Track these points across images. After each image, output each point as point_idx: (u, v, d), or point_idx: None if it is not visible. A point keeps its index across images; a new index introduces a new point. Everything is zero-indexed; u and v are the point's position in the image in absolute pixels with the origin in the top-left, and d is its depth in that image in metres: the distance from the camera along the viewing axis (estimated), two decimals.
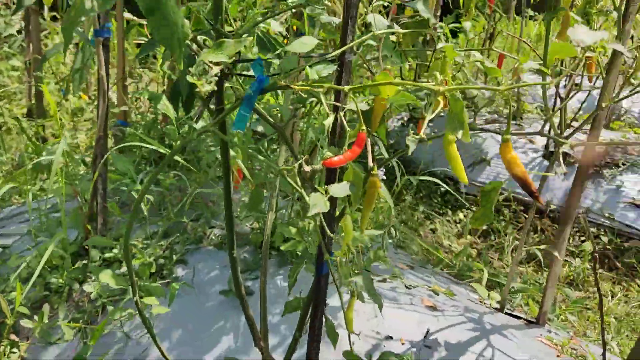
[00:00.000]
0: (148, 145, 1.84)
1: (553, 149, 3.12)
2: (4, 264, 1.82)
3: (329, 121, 0.85)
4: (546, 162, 3.07)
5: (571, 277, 2.55)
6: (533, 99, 3.92)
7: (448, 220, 3.03)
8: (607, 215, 2.78)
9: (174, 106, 2.44)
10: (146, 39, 2.84)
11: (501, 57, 2.32)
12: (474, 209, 3.04)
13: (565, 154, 3.07)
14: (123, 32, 2.26)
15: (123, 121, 2.25)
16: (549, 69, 1.31)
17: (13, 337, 1.56)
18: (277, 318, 1.54)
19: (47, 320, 1.49)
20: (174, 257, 1.74)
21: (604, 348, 1.35)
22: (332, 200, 1.13)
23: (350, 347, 1.09)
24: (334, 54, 0.97)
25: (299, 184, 0.93)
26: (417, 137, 0.84)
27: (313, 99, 1.05)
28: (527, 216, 2.94)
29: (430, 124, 3.59)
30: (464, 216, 3.02)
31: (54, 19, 5.33)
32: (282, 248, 1.50)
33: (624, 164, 2.99)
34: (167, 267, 1.72)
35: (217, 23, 0.93)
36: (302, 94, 0.94)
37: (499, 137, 3.30)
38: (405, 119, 3.66)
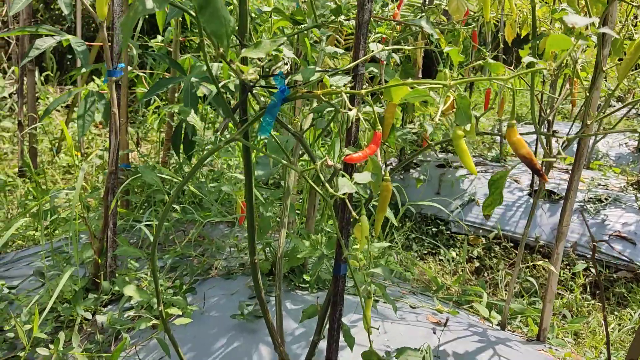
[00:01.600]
0: (162, 176, 1.91)
1: (537, 188, 3.25)
2: (12, 303, 1.84)
3: (352, 113, 0.94)
4: (532, 200, 3.20)
5: (565, 308, 2.62)
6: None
7: (441, 260, 3.10)
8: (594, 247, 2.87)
9: (174, 147, 2.52)
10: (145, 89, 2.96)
11: (487, 97, 2.47)
12: (465, 246, 3.12)
13: (550, 192, 3.20)
14: (127, 80, 2.37)
15: (126, 164, 2.33)
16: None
17: None
18: (290, 338, 1.58)
19: (62, 348, 1.51)
20: (184, 287, 1.77)
21: (608, 349, 1.41)
22: (346, 205, 1.21)
23: (370, 345, 1.14)
24: (348, 66, 1.08)
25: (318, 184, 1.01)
26: (433, 122, 0.93)
27: (329, 109, 1.15)
28: (517, 252, 3.03)
29: (419, 169, 3.72)
30: (457, 254, 3.10)
31: (45, 79, 5.47)
32: (298, 256, 1.55)
33: (606, 199, 3.11)
34: (177, 296, 1.76)
35: (243, 39, 1.04)
36: (324, 100, 1.03)
37: (485, 179, 3.41)
38: (394, 164, 3.79)
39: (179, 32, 2.53)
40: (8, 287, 1.99)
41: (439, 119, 0.95)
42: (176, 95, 2.74)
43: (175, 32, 2.53)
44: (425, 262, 3.05)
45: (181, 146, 2.41)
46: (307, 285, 1.77)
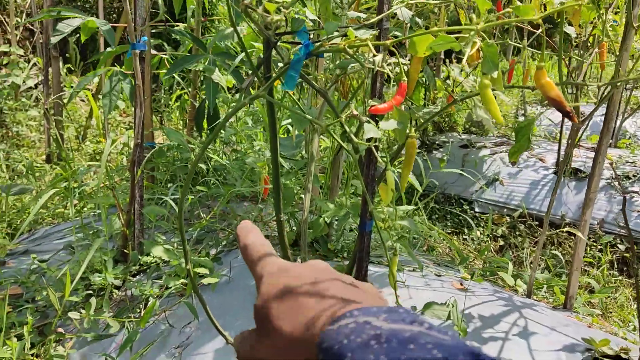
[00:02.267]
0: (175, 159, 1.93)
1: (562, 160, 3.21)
2: (43, 274, 1.88)
3: (378, 58, 0.94)
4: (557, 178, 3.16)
5: (591, 285, 2.59)
6: (537, 125, 4.04)
7: (465, 239, 3.08)
8: (621, 224, 2.84)
9: (197, 126, 2.55)
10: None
11: (511, 66, 2.44)
12: (490, 225, 3.10)
13: (576, 170, 3.16)
14: (150, 55, 2.39)
15: (151, 142, 2.36)
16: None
17: (60, 330, 1.60)
18: None
19: (93, 313, 1.54)
20: (210, 256, 1.80)
21: (639, 315, 1.40)
22: (371, 162, 1.22)
23: (396, 299, 1.15)
24: (373, 20, 1.08)
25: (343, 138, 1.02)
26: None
27: (354, 64, 1.15)
28: (541, 230, 3.00)
29: (442, 150, 3.70)
30: (480, 234, 3.08)
31: (69, 71, 5.56)
32: (323, 216, 1.55)
33: (634, 176, 3.07)
34: (204, 266, 1.78)
35: None
36: (349, 53, 1.03)
37: (508, 160, 3.37)
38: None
39: (199, 12, 2.55)
40: (39, 261, 2.04)
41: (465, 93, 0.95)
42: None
43: (197, 12, 2.55)
44: (449, 243, 3.04)
45: (205, 123, 2.44)
46: (332, 254, 1.78)
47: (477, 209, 3.28)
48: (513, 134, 3.83)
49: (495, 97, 1.17)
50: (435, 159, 3.57)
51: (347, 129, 1.01)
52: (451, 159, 3.52)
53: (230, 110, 1.87)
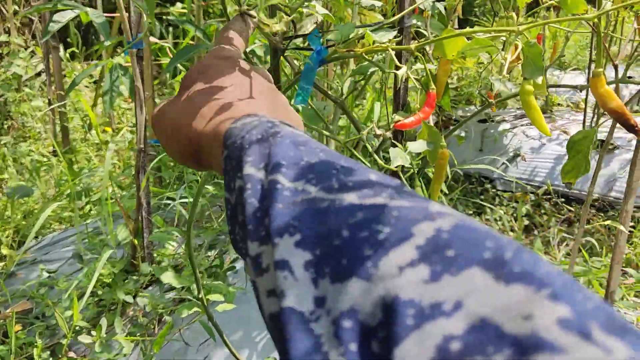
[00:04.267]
0: None
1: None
2: (53, 287, 1.80)
3: (402, 72, 0.82)
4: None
5: (629, 266, 2.47)
6: (557, 93, 3.87)
7: (487, 219, 2.97)
8: None
9: None
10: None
11: (539, 42, 2.28)
12: (514, 204, 2.97)
13: (601, 141, 3.01)
14: (150, 50, 2.27)
15: (156, 140, 2.25)
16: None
17: (72, 354, 1.53)
18: None
19: (105, 334, 1.46)
20: (224, 265, 1.70)
21: None
22: (399, 179, 1.10)
23: None
24: (393, 19, 0.95)
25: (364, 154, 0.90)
26: (500, 76, 0.80)
27: (374, 69, 1.02)
28: (569, 208, 2.87)
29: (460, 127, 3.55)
30: (504, 213, 2.96)
31: (71, 56, 5.42)
32: None
33: None
34: (217, 276, 1.69)
35: None
36: (367, 59, 0.91)
37: (530, 132, 3.23)
38: (432, 123, 3.63)
39: None
40: (47, 272, 1.95)
41: (504, 72, 0.82)
42: None
43: None
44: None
45: None
46: None
47: (499, 187, 3.15)
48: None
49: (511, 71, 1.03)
50: (452, 136, 3.42)
51: (370, 148, 0.89)
52: (469, 136, 3.37)
53: None
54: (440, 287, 0.24)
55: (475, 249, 0.25)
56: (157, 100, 2.33)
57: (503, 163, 3.17)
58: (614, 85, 1.11)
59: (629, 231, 2.61)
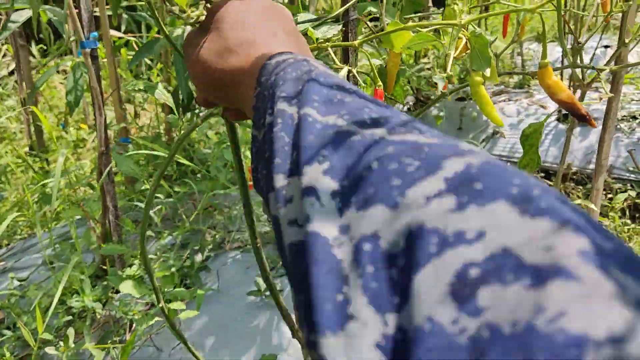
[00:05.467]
0: (154, 153, 1.78)
1: (565, 113, 3.03)
2: (23, 296, 1.76)
3: (343, 72, 0.78)
4: (561, 126, 2.99)
5: None
6: (535, 68, 3.83)
7: None
8: (631, 169, 2.69)
9: (175, 113, 2.37)
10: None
11: (505, 21, 2.24)
12: None
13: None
14: (111, 46, 2.21)
15: (125, 138, 2.20)
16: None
17: None
18: None
19: (73, 345, 1.42)
20: (195, 265, 1.67)
21: None
22: None
23: None
24: (337, 12, 0.91)
25: None
26: (444, 74, 0.77)
27: None
28: (549, 182, 2.86)
29: (437, 105, 3.51)
30: None
31: (44, 53, 5.31)
32: None
33: None
34: (190, 276, 1.66)
35: None
36: None
37: (508, 109, 3.20)
38: (411, 103, 3.59)
39: None
40: (18, 280, 1.91)
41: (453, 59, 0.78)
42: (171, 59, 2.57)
43: None
44: None
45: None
46: None
47: None
48: (510, 80, 3.64)
49: (490, 44, 0.98)
50: (430, 116, 3.39)
51: None
52: (447, 115, 3.34)
53: (182, 133, 1.70)
54: (465, 217, 0.24)
55: (503, 184, 0.25)
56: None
57: (483, 140, 3.15)
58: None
59: (606, 205, 2.60)
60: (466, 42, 0.83)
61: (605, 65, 1.30)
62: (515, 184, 0.25)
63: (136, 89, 1.68)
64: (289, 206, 0.32)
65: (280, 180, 0.33)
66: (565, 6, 1.71)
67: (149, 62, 3.96)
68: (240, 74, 0.46)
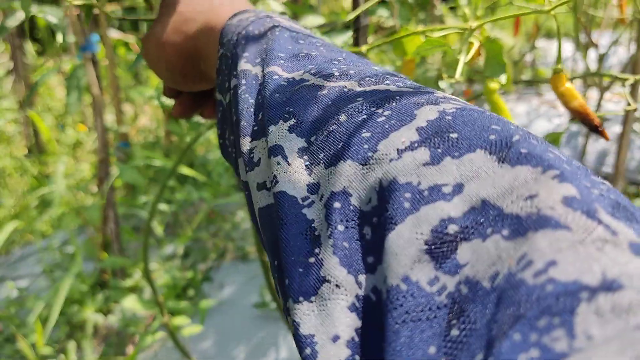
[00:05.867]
0: (154, 158, 1.73)
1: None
2: (22, 306, 1.72)
3: None
4: (573, 127, 2.93)
5: None
6: (546, 66, 3.78)
7: None
8: None
9: (174, 119, 2.33)
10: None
11: (517, 22, 2.19)
12: None
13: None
14: (112, 50, 2.16)
15: (125, 143, 2.15)
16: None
17: None
18: None
19: (75, 357, 1.38)
20: (199, 276, 1.63)
21: None
22: None
23: None
24: (348, 17, 0.86)
25: None
26: (452, 80, 0.72)
27: None
28: None
29: None
30: None
31: (40, 53, 5.26)
32: None
33: None
34: (192, 287, 1.62)
35: None
36: None
37: (518, 109, 3.16)
38: None
39: None
40: (18, 289, 1.87)
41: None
42: None
43: None
44: None
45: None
46: None
47: None
48: (522, 77, 3.59)
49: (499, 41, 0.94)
50: None
51: None
52: None
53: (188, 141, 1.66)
54: (440, 170, 0.22)
55: (480, 131, 0.23)
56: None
57: None
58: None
59: None
60: (478, 47, 0.79)
61: (624, 70, 1.25)
62: (494, 129, 0.23)
63: (145, 95, 1.63)
64: (256, 169, 0.30)
65: (246, 144, 0.31)
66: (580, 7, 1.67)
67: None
68: (203, 39, 0.43)
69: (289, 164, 0.27)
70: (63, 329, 1.59)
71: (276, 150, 0.28)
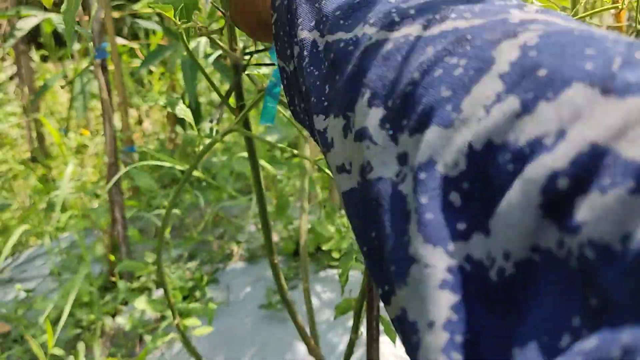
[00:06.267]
0: (162, 163, 1.76)
1: None
2: (30, 308, 1.74)
3: None
4: None
5: None
6: None
7: None
8: None
9: (180, 122, 2.37)
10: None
11: None
12: None
13: None
14: (118, 56, 2.20)
15: (130, 147, 2.19)
16: None
17: None
18: (324, 327, 1.45)
19: (84, 359, 1.41)
20: (205, 278, 1.65)
21: None
22: None
23: None
24: None
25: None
26: None
27: None
28: None
29: None
30: None
31: (44, 59, 5.30)
32: (324, 248, 1.41)
33: None
34: (199, 289, 1.64)
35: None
36: None
37: None
38: None
39: None
40: (25, 290, 1.90)
41: None
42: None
43: None
44: None
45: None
46: (338, 262, 1.64)
47: None
48: None
49: None
50: None
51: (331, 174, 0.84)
52: None
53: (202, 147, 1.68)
54: (536, 118, 0.20)
55: (573, 61, 0.20)
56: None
57: None
58: None
59: None
60: None
61: None
62: (588, 55, 0.20)
63: (156, 103, 1.66)
64: (333, 151, 0.29)
65: (318, 123, 0.31)
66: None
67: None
68: (262, 3, 0.42)
69: (374, 144, 0.26)
70: (71, 330, 1.62)
71: (363, 133, 0.27)
